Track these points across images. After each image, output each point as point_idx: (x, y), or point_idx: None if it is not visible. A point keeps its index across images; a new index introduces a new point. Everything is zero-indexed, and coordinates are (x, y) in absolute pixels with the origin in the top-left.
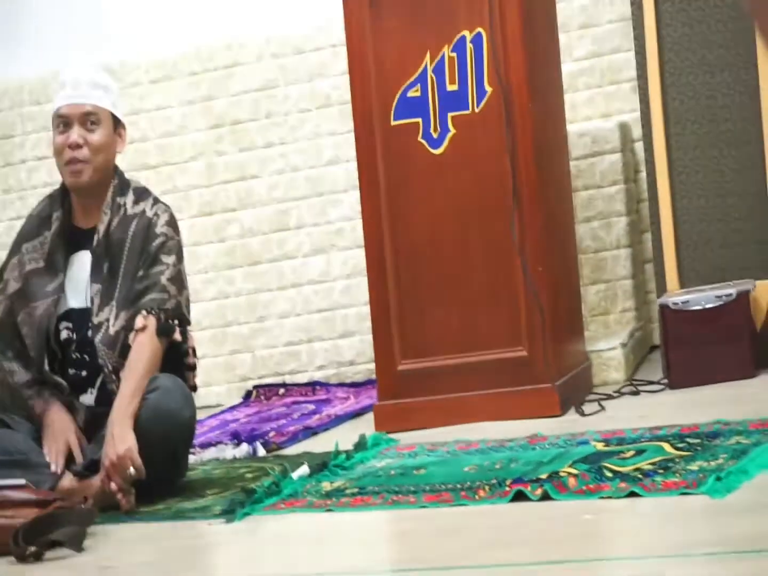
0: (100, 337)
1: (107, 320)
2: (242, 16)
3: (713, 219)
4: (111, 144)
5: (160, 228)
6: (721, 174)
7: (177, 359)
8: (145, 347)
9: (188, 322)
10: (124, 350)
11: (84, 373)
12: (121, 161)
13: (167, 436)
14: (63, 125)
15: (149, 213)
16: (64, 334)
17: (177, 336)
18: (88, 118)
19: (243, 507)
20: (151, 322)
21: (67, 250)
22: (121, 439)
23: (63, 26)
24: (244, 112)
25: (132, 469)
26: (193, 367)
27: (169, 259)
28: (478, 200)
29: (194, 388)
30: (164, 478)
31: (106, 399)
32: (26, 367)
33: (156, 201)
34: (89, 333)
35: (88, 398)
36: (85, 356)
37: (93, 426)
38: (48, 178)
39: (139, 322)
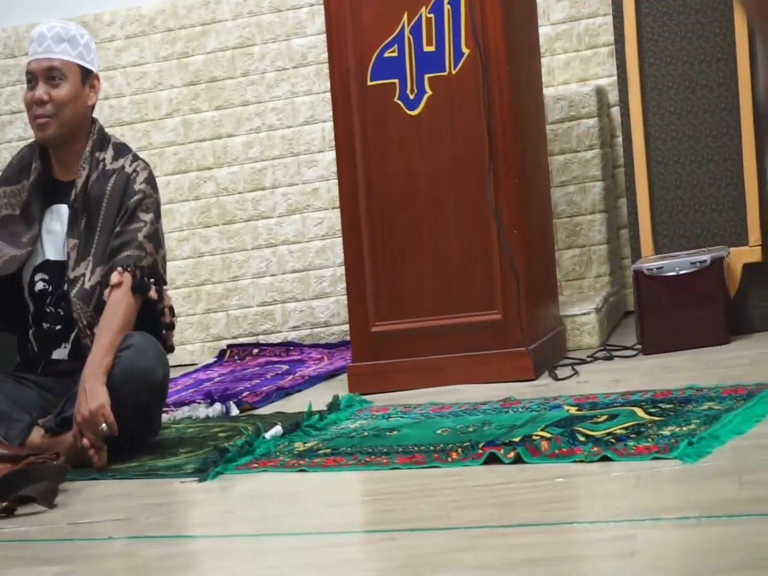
0: (75, 292)
1: (83, 275)
2: None
3: (688, 185)
4: (77, 97)
5: (139, 185)
6: (697, 140)
7: (153, 318)
8: (119, 303)
9: (164, 282)
10: (99, 305)
11: (58, 327)
12: (96, 116)
13: (139, 395)
14: (30, 81)
15: (128, 169)
16: (39, 285)
17: (153, 294)
18: (52, 74)
19: (216, 466)
20: (127, 278)
21: (44, 201)
22: (93, 394)
23: None
24: (220, 70)
25: (104, 425)
26: (170, 326)
27: (147, 217)
28: (454, 162)
29: (171, 348)
30: (137, 437)
31: (79, 354)
32: None
33: (135, 158)
34: (64, 286)
35: (61, 353)
36: (60, 311)
37: (66, 382)
38: (23, 132)
39: (114, 278)
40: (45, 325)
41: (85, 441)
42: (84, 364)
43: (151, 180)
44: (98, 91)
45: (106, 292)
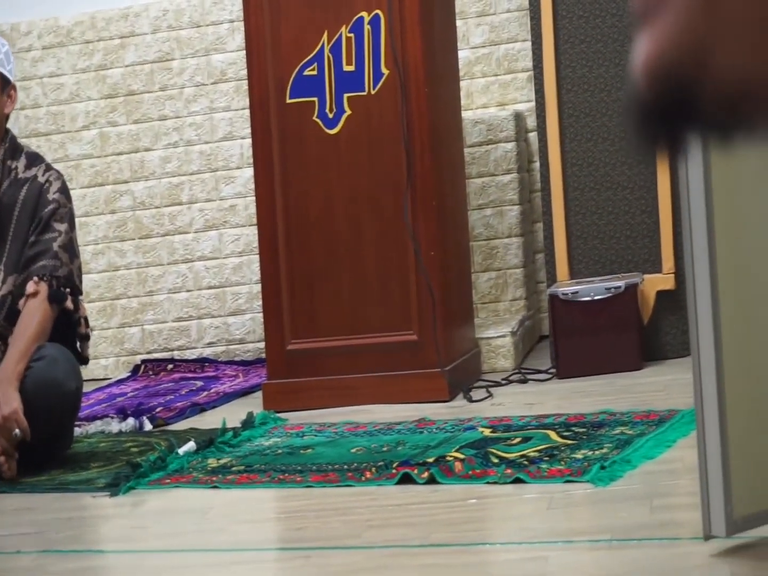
0: None
1: None
2: None
3: (604, 212)
4: None
5: (53, 195)
6: (613, 167)
7: (68, 329)
8: (35, 312)
9: (80, 292)
10: (10, 315)
11: None
12: (11, 127)
13: (52, 407)
14: None
15: (41, 179)
16: None
17: (69, 304)
18: None
19: (128, 481)
20: (43, 288)
21: None
22: (6, 400)
23: None
24: (139, 84)
25: (17, 431)
26: (85, 338)
27: (62, 227)
28: (373, 182)
29: (86, 360)
30: (48, 449)
31: None
32: None
33: (48, 167)
34: None
35: None
36: None
37: None
38: None
39: (30, 287)
40: None
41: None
42: None
43: (64, 190)
44: (15, 101)
45: (22, 301)
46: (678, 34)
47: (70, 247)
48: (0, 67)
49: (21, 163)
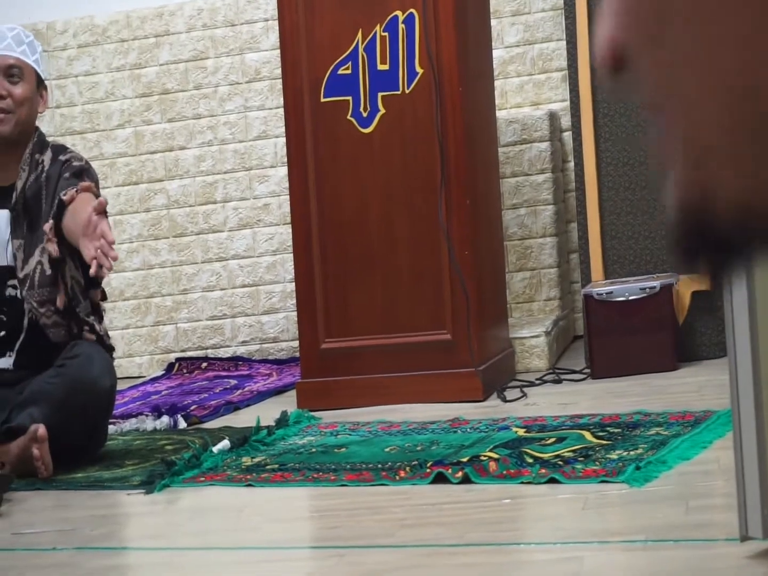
0: (27, 289)
1: (33, 270)
2: None
3: (638, 212)
4: (33, 100)
5: (76, 163)
6: (648, 167)
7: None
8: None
9: None
10: (44, 282)
11: (2, 333)
12: (47, 125)
13: (86, 405)
14: None
15: (62, 158)
16: None
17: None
18: (12, 71)
19: (162, 478)
20: (94, 189)
21: None
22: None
23: None
24: (173, 82)
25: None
26: (100, 312)
27: (89, 182)
28: (406, 181)
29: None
30: (83, 447)
31: (25, 364)
32: None
33: (72, 152)
34: (7, 291)
35: (6, 362)
36: (2, 316)
37: (9, 393)
38: None
39: (83, 184)
40: None
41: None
42: (30, 374)
43: (89, 163)
44: (47, 101)
45: (71, 192)
46: (683, 185)
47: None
48: (36, 65)
49: (47, 156)
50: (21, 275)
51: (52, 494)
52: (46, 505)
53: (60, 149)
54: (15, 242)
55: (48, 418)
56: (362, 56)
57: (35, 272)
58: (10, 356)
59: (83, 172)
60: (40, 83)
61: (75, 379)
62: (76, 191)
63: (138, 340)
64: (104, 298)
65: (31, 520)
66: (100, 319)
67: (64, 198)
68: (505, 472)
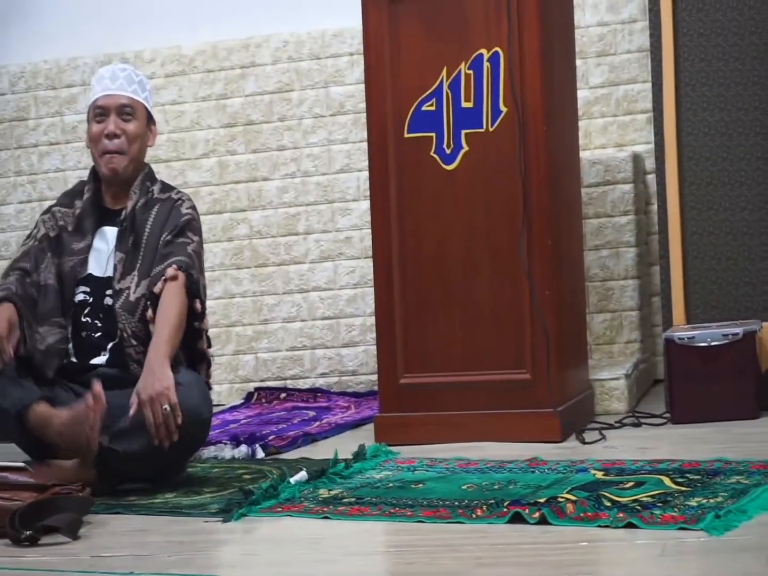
0: (121, 303)
1: (128, 288)
2: (260, 16)
3: (722, 257)
4: (143, 136)
5: (186, 209)
6: (732, 212)
7: (190, 344)
8: (176, 296)
9: (205, 306)
10: (144, 317)
11: (98, 335)
12: None
13: (187, 434)
14: (100, 115)
15: (174, 197)
16: (79, 297)
17: (198, 305)
18: (124, 110)
19: (240, 507)
20: (181, 276)
21: (95, 219)
22: (161, 376)
23: (82, 13)
24: (258, 113)
25: (167, 406)
26: (207, 361)
27: (195, 238)
28: (488, 219)
29: (209, 387)
30: (174, 472)
31: (117, 362)
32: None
33: (180, 192)
34: (105, 300)
35: (100, 359)
36: (97, 321)
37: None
38: (60, 164)
39: (170, 271)
40: (83, 333)
41: (150, 416)
42: (121, 372)
43: (195, 209)
44: (155, 136)
45: (159, 284)
46: None
47: (200, 259)
48: (146, 102)
49: (156, 187)
50: (117, 287)
51: (130, 518)
52: (124, 529)
53: (168, 186)
54: (117, 255)
55: (145, 446)
56: (446, 93)
57: (139, 302)
58: (104, 355)
59: (186, 227)
60: (149, 119)
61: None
62: (164, 281)
63: (218, 369)
64: (209, 345)
65: (109, 544)
66: (208, 365)
67: (156, 291)
68: (582, 514)
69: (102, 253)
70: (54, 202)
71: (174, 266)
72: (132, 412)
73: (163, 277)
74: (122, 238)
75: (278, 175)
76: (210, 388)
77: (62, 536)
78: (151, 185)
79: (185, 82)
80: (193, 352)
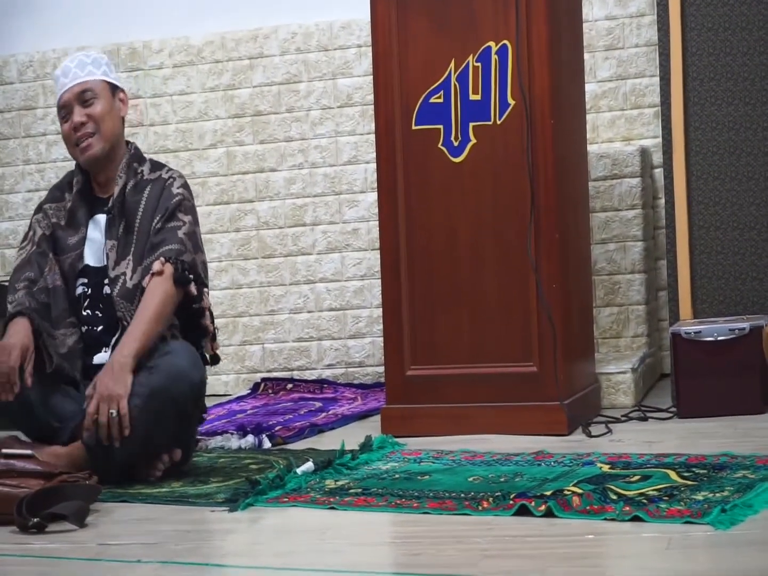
0: (117, 290)
1: (123, 274)
2: (269, 7)
3: (729, 252)
4: (112, 111)
5: (176, 189)
6: (740, 207)
7: (193, 322)
8: (158, 290)
9: (205, 285)
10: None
11: (100, 328)
12: (140, 143)
13: (177, 398)
14: (66, 114)
15: (164, 176)
16: (78, 290)
17: (192, 289)
18: (85, 96)
19: (246, 497)
20: (168, 268)
21: (87, 210)
22: (118, 380)
23: (90, 2)
24: (266, 104)
25: (114, 411)
26: (212, 335)
27: (186, 218)
28: (496, 212)
29: (214, 359)
30: (176, 439)
31: None
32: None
33: (171, 169)
34: (103, 290)
35: (103, 357)
36: (98, 312)
37: None
38: (67, 153)
39: (156, 266)
40: (84, 328)
41: (102, 418)
42: None
43: (187, 186)
44: (127, 103)
45: (146, 278)
46: None
47: (194, 238)
48: (105, 76)
49: (146, 167)
50: (112, 275)
51: (137, 507)
52: (131, 518)
53: (158, 164)
54: (109, 243)
55: (140, 410)
56: (455, 86)
57: (136, 289)
58: (106, 351)
59: (177, 209)
60: (115, 90)
61: (165, 371)
62: (151, 275)
63: (225, 359)
64: (212, 320)
65: (117, 532)
66: (213, 338)
67: (144, 286)
68: (588, 507)
69: (96, 243)
70: (44, 198)
71: (161, 260)
72: (86, 405)
73: (151, 272)
74: (111, 226)
75: (286, 166)
76: (218, 359)
77: (69, 524)
78: (140, 166)
79: (193, 73)
80: (198, 328)
